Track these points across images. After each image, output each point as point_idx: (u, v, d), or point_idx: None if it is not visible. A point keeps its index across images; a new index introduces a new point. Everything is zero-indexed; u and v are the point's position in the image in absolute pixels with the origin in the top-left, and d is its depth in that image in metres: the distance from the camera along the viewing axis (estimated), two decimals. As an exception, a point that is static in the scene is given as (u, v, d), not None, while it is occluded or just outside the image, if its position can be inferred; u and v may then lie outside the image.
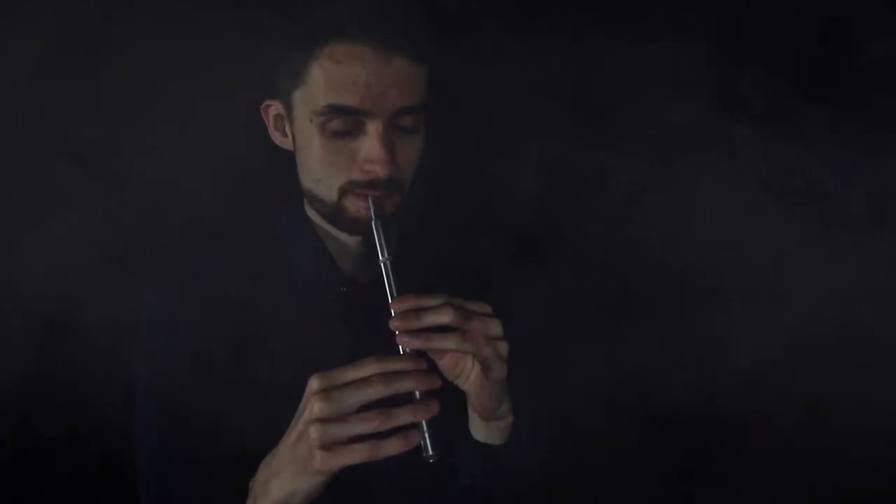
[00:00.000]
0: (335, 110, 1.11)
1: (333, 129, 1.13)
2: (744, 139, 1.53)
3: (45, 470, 1.50)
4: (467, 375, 1.09)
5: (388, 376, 0.99)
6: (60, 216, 1.40)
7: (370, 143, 1.12)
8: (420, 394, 1.01)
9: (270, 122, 1.22)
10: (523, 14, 1.54)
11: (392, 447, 0.98)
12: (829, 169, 1.50)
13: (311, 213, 1.25)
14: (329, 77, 1.10)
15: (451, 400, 1.10)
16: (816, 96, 1.53)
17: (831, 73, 1.55)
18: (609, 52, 1.49)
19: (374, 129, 1.12)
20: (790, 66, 1.56)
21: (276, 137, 1.22)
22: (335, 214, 1.17)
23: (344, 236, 1.22)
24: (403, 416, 0.99)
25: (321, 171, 1.16)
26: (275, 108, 1.20)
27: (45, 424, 1.47)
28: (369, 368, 0.99)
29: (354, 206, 1.15)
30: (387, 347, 1.04)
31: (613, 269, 1.53)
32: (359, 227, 1.16)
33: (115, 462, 1.33)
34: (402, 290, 1.06)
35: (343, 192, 1.15)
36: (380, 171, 1.12)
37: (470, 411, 1.15)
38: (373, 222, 1.11)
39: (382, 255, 1.09)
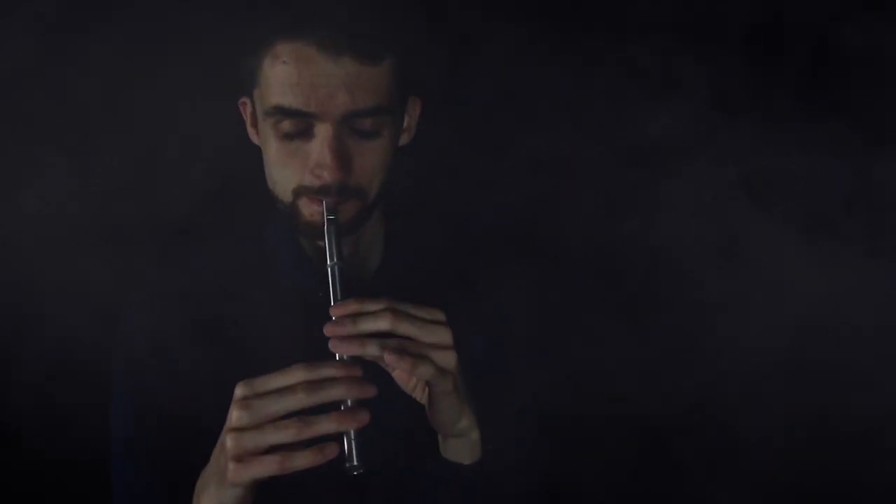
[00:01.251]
0: (281, 112, 1.08)
1: (284, 131, 1.09)
2: (735, 144, 1.51)
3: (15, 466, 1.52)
4: (421, 387, 1.06)
5: (312, 384, 0.93)
6: (45, 208, 1.41)
7: (318, 148, 1.08)
8: (352, 403, 0.95)
9: (247, 119, 1.20)
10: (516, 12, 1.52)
11: (304, 459, 0.92)
12: (820, 174, 1.47)
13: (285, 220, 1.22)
14: (276, 77, 1.07)
15: (420, 415, 1.07)
16: (813, 101, 1.51)
17: (827, 78, 1.54)
18: (602, 50, 1.47)
19: (322, 132, 1.08)
20: (786, 71, 1.54)
21: (252, 135, 1.20)
22: (292, 217, 1.14)
23: (323, 242, 1.19)
24: (325, 425, 0.93)
25: (276, 172, 1.12)
26: (249, 105, 1.18)
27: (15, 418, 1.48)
28: (296, 375, 0.94)
29: (308, 209, 1.11)
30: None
31: (601, 275, 1.50)
32: (313, 230, 1.11)
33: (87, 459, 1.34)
34: (353, 296, 1.01)
35: (297, 194, 1.12)
36: (328, 176, 1.08)
37: None
38: (325, 225, 1.08)
39: (330, 260, 1.05)
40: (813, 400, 1.45)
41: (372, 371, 1.00)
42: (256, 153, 1.18)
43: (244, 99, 1.19)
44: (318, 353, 0.98)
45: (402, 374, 1.05)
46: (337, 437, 0.95)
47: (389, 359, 0.96)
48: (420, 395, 1.07)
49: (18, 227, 1.38)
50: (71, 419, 1.44)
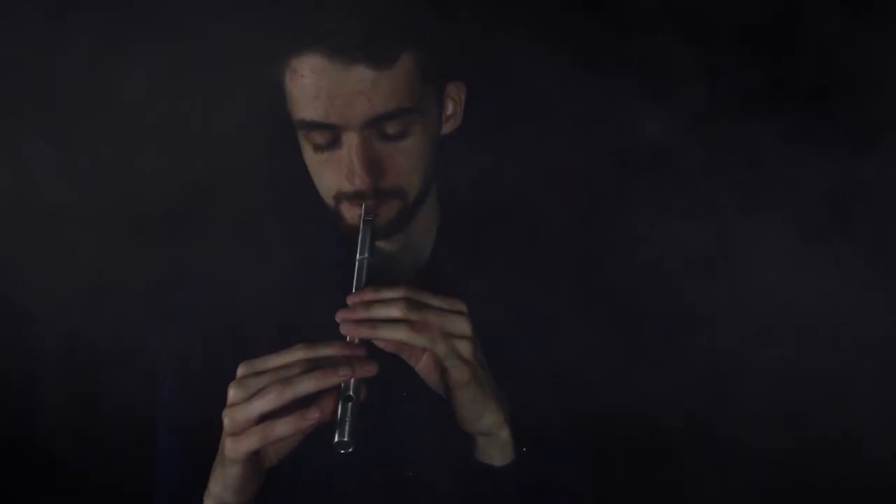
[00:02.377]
0: (306, 126, 1.08)
1: (315, 143, 1.10)
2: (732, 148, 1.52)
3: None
4: (444, 381, 1.04)
5: (309, 363, 0.94)
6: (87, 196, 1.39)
7: (347, 156, 1.08)
8: (355, 382, 0.95)
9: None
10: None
11: (285, 426, 0.93)
12: (818, 179, 1.50)
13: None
14: (297, 92, 1.07)
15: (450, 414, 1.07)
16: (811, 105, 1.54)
17: (827, 83, 1.56)
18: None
19: (348, 141, 1.08)
20: (786, 74, 1.57)
21: None
22: (336, 220, 1.14)
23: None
24: (305, 384, 0.93)
25: (316, 180, 1.14)
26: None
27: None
28: (296, 355, 0.95)
29: (350, 213, 1.12)
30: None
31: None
32: (357, 233, 1.10)
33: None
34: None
35: (337, 200, 1.12)
36: (359, 183, 1.08)
37: None
38: (361, 223, 1.08)
39: (360, 254, 1.05)
40: (812, 408, 1.47)
41: (398, 369, 1.01)
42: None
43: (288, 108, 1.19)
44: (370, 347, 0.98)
45: (425, 367, 1.03)
46: (333, 419, 0.95)
47: (407, 333, 0.97)
48: (443, 392, 1.05)
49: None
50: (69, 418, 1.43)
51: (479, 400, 1.03)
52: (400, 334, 0.98)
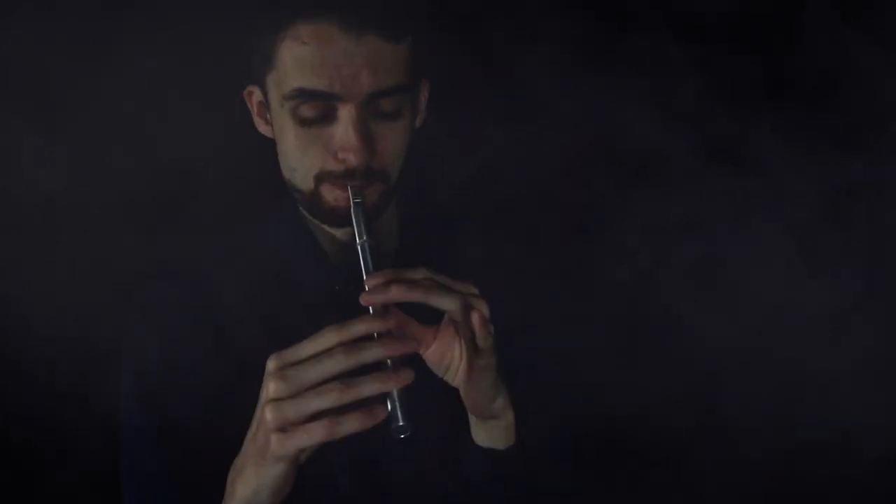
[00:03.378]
0: (303, 95, 1.04)
1: (304, 115, 1.05)
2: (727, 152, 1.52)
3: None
4: (455, 367, 1.01)
5: (350, 346, 0.89)
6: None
7: (342, 130, 1.05)
8: (393, 362, 0.91)
9: (254, 109, 1.16)
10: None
11: (353, 422, 0.88)
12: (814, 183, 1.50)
13: (303, 209, 1.19)
14: (296, 59, 1.03)
15: (449, 403, 1.06)
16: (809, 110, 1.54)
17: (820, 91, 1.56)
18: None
19: (346, 114, 1.04)
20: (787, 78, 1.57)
21: (260, 125, 1.16)
22: (313, 205, 1.11)
23: (339, 232, 1.17)
24: (369, 387, 0.88)
25: (295, 159, 1.09)
26: (256, 94, 1.13)
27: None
28: (329, 338, 0.90)
29: (332, 194, 1.08)
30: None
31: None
32: (338, 217, 1.08)
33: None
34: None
35: (319, 180, 1.08)
36: (353, 159, 1.05)
37: (469, 414, 1.06)
38: (352, 207, 1.05)
39: (359, 238, 1.02)
40: (810, 409, 1.47)
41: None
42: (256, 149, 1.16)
43: (251, 87, 1.14)
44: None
45: (433, 355, 1.01)
46: (381, 400, 0.92)
47: (445, 302, 0.94)
48: (453, 378, 1.03)
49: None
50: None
51: (494, 384, 1.02)
52: (435, 298, 0.94)
